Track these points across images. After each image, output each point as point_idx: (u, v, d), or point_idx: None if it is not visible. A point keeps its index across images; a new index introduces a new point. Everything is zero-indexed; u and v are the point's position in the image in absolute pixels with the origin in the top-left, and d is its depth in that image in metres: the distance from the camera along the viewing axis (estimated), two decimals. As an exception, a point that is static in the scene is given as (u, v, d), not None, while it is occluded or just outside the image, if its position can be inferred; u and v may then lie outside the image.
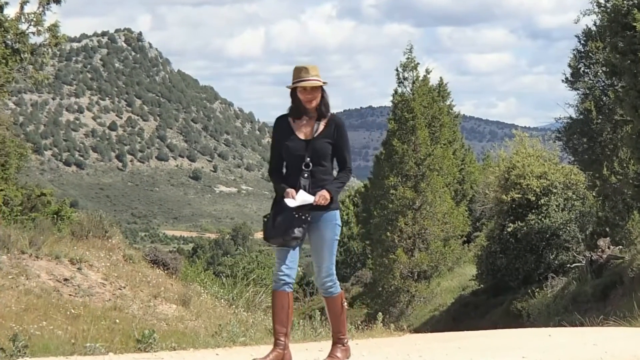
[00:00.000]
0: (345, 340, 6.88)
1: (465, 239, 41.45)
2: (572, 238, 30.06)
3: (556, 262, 29.84)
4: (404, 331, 13.71)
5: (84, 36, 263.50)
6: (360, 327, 12.98)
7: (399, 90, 38.83)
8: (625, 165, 24.70)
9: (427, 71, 39.61)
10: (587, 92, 27.21)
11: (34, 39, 17.69)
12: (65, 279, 13.09)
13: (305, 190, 6.53)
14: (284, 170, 6.71)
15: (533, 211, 31.05)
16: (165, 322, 12.61)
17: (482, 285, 34.41)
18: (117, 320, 11.13)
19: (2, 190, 18.10)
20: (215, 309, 14.36)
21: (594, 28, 26.93)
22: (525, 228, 30.75)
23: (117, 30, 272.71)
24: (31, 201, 19.45)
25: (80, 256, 14.02)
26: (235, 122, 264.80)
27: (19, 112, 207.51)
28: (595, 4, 24.19)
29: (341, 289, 6.87)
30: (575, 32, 28.56)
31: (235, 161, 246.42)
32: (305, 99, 6.60)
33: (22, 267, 12.82)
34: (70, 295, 12.65)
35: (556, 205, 30.93)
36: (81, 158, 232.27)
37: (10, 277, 12.32)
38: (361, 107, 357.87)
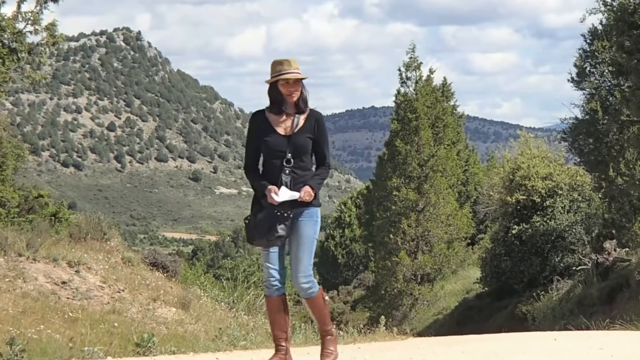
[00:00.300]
0: (332, 329, 6.77)
1: (469, 241, 41.35)
2: (577, 240, 29.91)
3: (561, 264, 29.69)
4: (407, 335, 13.63)
5: (82, 35, 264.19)
6: (362, 330, 12.88)
7: (402, 90, 38.68)
8: (631, 166, 24.63)
9: (431, 71, 39.51)
10: (593, 92, 27.20)
11: (32, 38, 17.69)
12: (63, 282, 13.05)
13: (286, 186, 6.37)
14: (261, 168, 6.55)
15: (538, 213, 30.89)
16: (165, 326, 12.56)
17: (486, 288, 34.24)
18: (116, 324, 11.08)
19: (-1, 191, 17.98)
20: (216, 312, 14.30)
21: (600, 27, 26.89)
22: (530, 230, 30.61)
23: (115, 29, 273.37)
24: (28, 203, 19.27)
25: (78, 259, 13.95)
26: (235, 122, 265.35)
27: (16, 113, 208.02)
28: (601, 2, 24.02)
29: (319, 284, 6.69)
30: (581, 31, 28.42)
31: (235, 162, 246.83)
32: (287, 92, 6.44)
33: (20, 270, 12.76)
34: (68, 298, 12.60)
35: (562, 207, 30.75)
36: (79, 159, 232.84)
37: (7, 280, 12.26)
38: (364, 108, 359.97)
